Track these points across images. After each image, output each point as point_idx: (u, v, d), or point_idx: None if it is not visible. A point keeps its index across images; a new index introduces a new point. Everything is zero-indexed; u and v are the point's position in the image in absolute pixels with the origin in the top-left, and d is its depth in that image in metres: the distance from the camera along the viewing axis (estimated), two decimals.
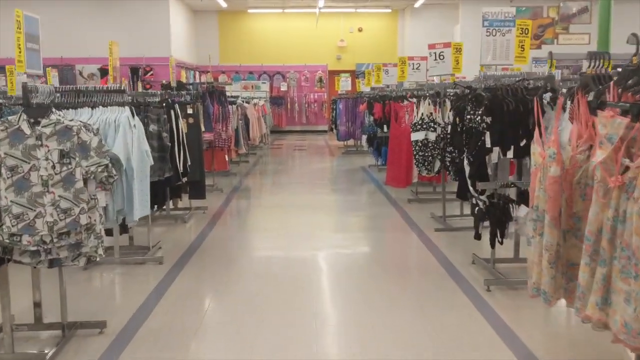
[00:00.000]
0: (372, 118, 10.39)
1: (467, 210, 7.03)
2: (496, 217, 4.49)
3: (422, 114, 6.52)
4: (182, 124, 6.65)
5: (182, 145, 5.73)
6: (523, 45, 4.91)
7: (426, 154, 6.48)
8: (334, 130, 15.73)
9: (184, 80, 18.67)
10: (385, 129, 9.59)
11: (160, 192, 5.89)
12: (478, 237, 4.72)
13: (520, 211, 4.46)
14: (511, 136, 4.42)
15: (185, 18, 20.37)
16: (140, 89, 17.11)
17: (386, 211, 7.91)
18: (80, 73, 18.16)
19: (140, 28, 17.83)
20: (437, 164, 6.51)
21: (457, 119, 5.15)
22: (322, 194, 9.37)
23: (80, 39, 17.88)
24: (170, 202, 7.41)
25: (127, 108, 3.94)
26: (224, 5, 19.88)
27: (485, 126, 4.39)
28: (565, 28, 15.10)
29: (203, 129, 7.82)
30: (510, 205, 4.49)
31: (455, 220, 7.00)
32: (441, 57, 6.66)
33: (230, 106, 10.54)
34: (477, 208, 4.64)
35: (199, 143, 7.00)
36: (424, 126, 6.47)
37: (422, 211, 7.67)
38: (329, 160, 13.85)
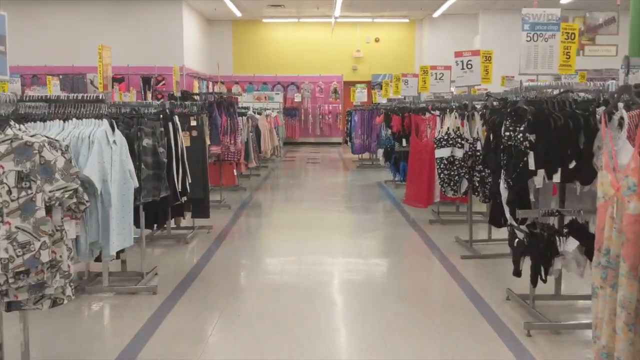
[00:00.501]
0: (389, 131, 9.75)
1: (495, 234, 6.35)
2: (540, 251, 3.82)
3: (448, 129, 5.87)
4: (184, 137, 6.06)
5: (181, 162, 5.12)
6: (569, 52, 4.28)
7: (452, 173, 5.82)
8: (349, 143, 15.10)
9: (196, 90, 18.21)
10: (404, 143, 8.93)
11: (158, 212, 5.30)
12: (518, 273, 4.04)
13: (569, 245, 3.79)
14: (558, 157, 3.75)
15: (199, 27, 19.93)
16: (149, 99, 16.65)
17: (405, 233, 7.25)
18: (92, 82, 17.72)
19: (153, 37, 17.42)
20: (464, 184, 5.84)
21: (492, 135, 4.49)
22: (336, 211, 8.71)
23: (92, 47, 17.39)
24: (172, 221, 6.82)
25: (105, 121, 3.33)
26: (239, 14, 19.41)
27: (528, 145, 3.73)
28: (592, 39, 14.38)
29: (209, 142, 7.23)
30: (557, 238, 3.81)
31: (483, 246, 6.32)
32: (469, 66, 6.00)
33: (240, 118, 9.97)
34: (517, 240, 3.96)
35: (203, 158, 6.40)
36: (450, 142, 5.81)
37: (445, 234, 6.99)
38: (343, 175, 13.21)
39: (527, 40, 4.20)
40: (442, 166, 5.87)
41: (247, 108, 11.91)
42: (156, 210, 5.34)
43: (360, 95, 14.28)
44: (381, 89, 17.78)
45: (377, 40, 21.68)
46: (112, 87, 18.52)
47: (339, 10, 18.48)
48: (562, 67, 4.36)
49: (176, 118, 5.16)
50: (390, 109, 10.10)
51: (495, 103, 5.68)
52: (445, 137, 5.84)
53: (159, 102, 5.30)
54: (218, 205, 8.62)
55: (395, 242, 6.80)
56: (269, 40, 21.69)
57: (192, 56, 18.88)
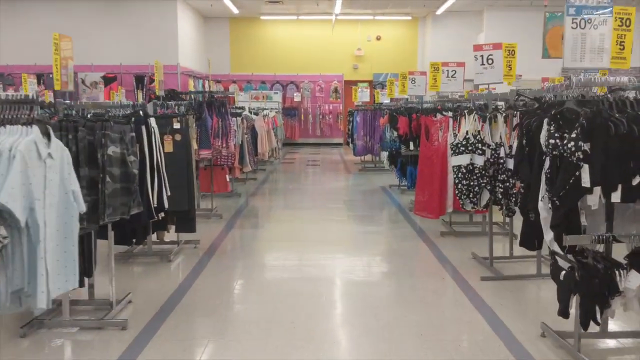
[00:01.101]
0: (395, 133, 8.97)
1: (518, 250, 5.58)
2: (594, 287, 3.03)
3: (467, 133, 5.08)
4: (166, 143, 5.29)
5: (157, 172, 4.34)
6: (623, 41, 3.50)
7: (471, 183, 5.03)
8: (350, 145, 14.32)
9: (191, 89, 17.42)
10: (411, 147, 8.16)
11: (133, 228, 4.52)
12: (566, 314, 3.26)
13: (631, 280, 3.01)
14: (619, 171, 2.97)
15: (194, 25, 19.13)
16: (140, 99, 15.86)
17: (414, 248, 6.46)
18: (83, 81, 16.93)
19: (147, 34, 16.64)
20: (485, 196, 5.06)
21: (525, 140, 3.70)
22: (338, 221, 7.92)
23: (83, 45, 16.71)
24: (155, 235, 6.04)
25: (34, 128, 2.54)
26: (236, 11, 18.62)
27: (581, 156, 2.95)
28: None
29: (195, 146, 6.46)
30: (617, 271, 3.03)
31: (505, 264, 5.54)
32: (489, 62, 5.22)
33: (234, 119, 9.18)
34: (563, 273, 3.18)
35: (188, 165, 5.61)
36: (470, 148, 5.02)
37: (459, 249, 6.21)
38: (345, 179, 12.42)
39: (573, 28, 3.41)
40: (460, 175, 5.09)
41: (243, 108, 11.13)
42: (132, 228, 4.57)
43: (361, 95, 13.49)
44: (383, 88, 17.04)
45: (378, 38, 20.88)
46: (104, 86, 17.66)
47: (339, 7, 17.71)
48: (614, 60, 3.62)
49: (152, 121, 4.38)
50: (395, 109, 9.31)
51: (521, 103, 4.91)
52: (464, 143, 5.06)
53: (130, 103, 4.51)
54: (209, 215, 7.83)
55: (405, 260, 6.00)
56: (267, 38, 20.90)
57: (188, 54, 18.10)
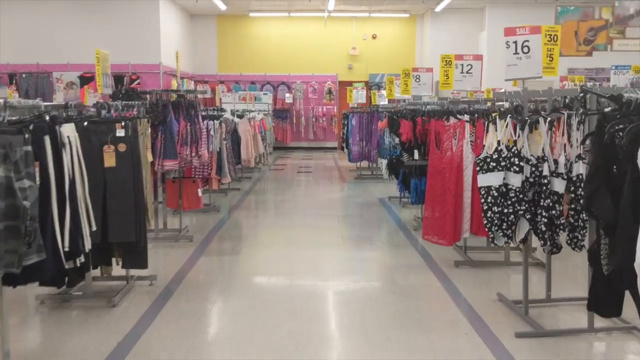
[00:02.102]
0: (396, 139, 7.69)
1: (558, 289, 4.33)
2: None
3: (499, 143, 3.80)
4: (107, 155, 3.99)
5: (72, 200, 3.04)
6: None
7: (505, 210, 3.75)
8: (345, 150, 13.04)
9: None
10: (416, 156, 6.88)
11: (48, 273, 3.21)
12: None
13: None
14: None
15: (180, 22, 17.81)
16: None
17: (423, 282, 5.18)
18: (58, 81, 15.58)
19: (127, 32, 15.31)
20: (524, 227, 3.77)
21: (605, 159, 2.42)
22: (331, 246, 6.60)
23: (60, 44, 15.44)
24: (99, 269, 4.74)
25: None
26: (223, 7, 17.28)
27: None
28: (621, 32, 12.36)
29: (151, 158, 5.16)
30: None
31: (542, 309, 4.27)
32: (525, 51, 3.95)
33: (211, 122, 7.91)
34: None
35: (137, 182, 4.32)
36: (503, 164, 3.74)
37: (480, 284, 4.95)
38: (339, 189, 11.12)
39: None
40: (489, 200, 3.80)
41: (224, 110, 9.84)
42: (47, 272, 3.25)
43: (357, 96, 12.21)
44: (380, 89, 15.77)
45: (374, 36, 19.60)
46: (80, 86, 16.32)
47: (332, 3, 16.43)
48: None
49: (67, 128, 3.08)
50: (396, 111, 8.02)
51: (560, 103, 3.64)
52: (495, 157, 3.77)
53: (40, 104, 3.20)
54: (176, 237, 6.54)
55: (414, 303, 4.69)
56: (257, 36, 19.58)
57: (172, 53, 16.74)
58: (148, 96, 6.31)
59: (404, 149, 7.30)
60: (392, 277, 5.41)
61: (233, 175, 8.64)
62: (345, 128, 12.93)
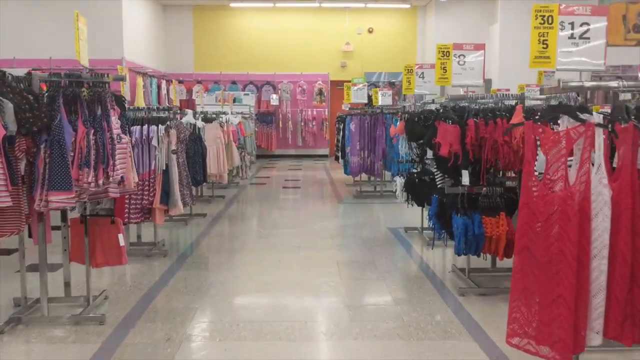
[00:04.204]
0: (428, 152, 5.08)
1: None
2: None
3: None
4: None
5: None
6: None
7: None
8: (340, 160, 10.39)
9: (139, 91, 13.38)
10: (465, 179, 4.27)
11: None
12: None
13: None
14: None
15: (149, 14, 15.07)
16: None
17: None
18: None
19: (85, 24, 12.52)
20: None
21: None
22: (333, 338, 3.93)
23: (7, 38, 12.71)
24: None
25: None
26: None
27: None
28: None
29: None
30: None
31: None
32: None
33: (152, 127, 5.28)
34: None
35: None
36: None
37: None
38: (335, 212, 8.46)
39: None
40: None
41: (181, 111, 7.18)
42: None
43: (357, 95, 9.59)
44: (382, 87, 13.18)
45: (370, 30, 16.97)
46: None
47: None
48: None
49: None
50: (429, 111, 5.37)
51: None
52: None
53: None
54: (79, 320, 3.84)
55: None
56: (238, 30, 16.87)
57: (138, 48, 14.05)
58: (21, 85, 3.65)
59: (441, 166, 4.67)
60: None
61: (189, 202, 5.93)
62: (341, 134, 10.29)
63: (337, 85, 16.62)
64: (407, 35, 17.03)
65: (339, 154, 10.55)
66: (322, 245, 6.25)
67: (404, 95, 16.74)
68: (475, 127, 4.15)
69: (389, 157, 8.74)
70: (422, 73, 7.02)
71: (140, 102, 13.13)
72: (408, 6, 16.46)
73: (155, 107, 5.71)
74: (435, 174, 5.10)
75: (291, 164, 15.43)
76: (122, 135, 3.92)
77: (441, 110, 4.64)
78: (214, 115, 8.69)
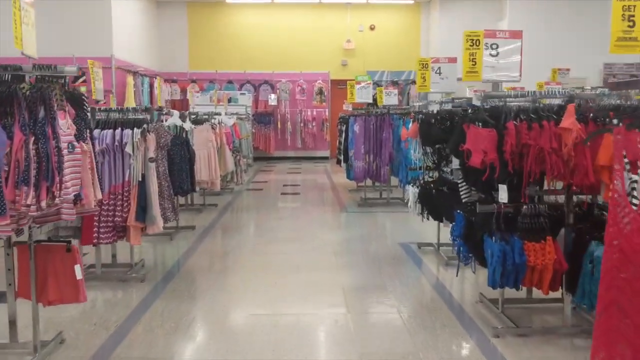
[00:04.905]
0: (453, 161, 4.25)
1: None
2: None
3: None
4: None
5: None
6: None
7: None
8: (343, 164, 9.57)
9: (130, 90, 12.55)
10: (502, 196, 3.44)
11: None
12: None
13: None
14: None
15: (142, 10, 14.23)
16: None
17: None
18: None
19: (72, 20, 11.73)
20: None
21: None
22: None
23: None
24: None
25: None
26: None
27: None
28: None
29: None
30: None
31: None
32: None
33: (126, 131, 4.46)
34: None
35: None
36: None
37: None
38: (338, 222, 7.63)
39: None
40: None
41: (169, 113, 6.36)
42: None
43: (361, 94, 8.77)
44: (386, 86, 12.39)
45: (372, 27, 16.14)
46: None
47: None
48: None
49: None
50: (447, 111, 4.54)
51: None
52: None
53: None
54: None
55: None
56: (235, 27, 16.03)
57: (129, 46, 13.19)
58: None
59: (470, 178, 3.84)
60: None
61: (171, 217, 5.10)
62: (344, 136, 9.47)
63: (338, 85, 15.80)
64: (411, 33, 16.19)
65: (341, 157, 9.74)
66: (324, 264, 5.42)
67: (407, 94, 15.74)
68: (516, 131, 3.32)
69: (397, 161, 7.93)
70: (439, 68, 6.15)
71: (131, 102, 12.30)
72: (411, 2, 15.62)
73: (131, 108, 4.86)
74: (460, 185, 4.27)
75: (290, 166, 14.59)
76: (76, 144, 3.08)
77: (470, 111, 3.80)
78: (205, 117, 7.87)
